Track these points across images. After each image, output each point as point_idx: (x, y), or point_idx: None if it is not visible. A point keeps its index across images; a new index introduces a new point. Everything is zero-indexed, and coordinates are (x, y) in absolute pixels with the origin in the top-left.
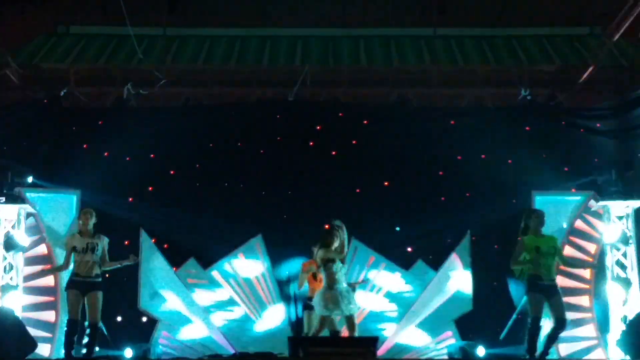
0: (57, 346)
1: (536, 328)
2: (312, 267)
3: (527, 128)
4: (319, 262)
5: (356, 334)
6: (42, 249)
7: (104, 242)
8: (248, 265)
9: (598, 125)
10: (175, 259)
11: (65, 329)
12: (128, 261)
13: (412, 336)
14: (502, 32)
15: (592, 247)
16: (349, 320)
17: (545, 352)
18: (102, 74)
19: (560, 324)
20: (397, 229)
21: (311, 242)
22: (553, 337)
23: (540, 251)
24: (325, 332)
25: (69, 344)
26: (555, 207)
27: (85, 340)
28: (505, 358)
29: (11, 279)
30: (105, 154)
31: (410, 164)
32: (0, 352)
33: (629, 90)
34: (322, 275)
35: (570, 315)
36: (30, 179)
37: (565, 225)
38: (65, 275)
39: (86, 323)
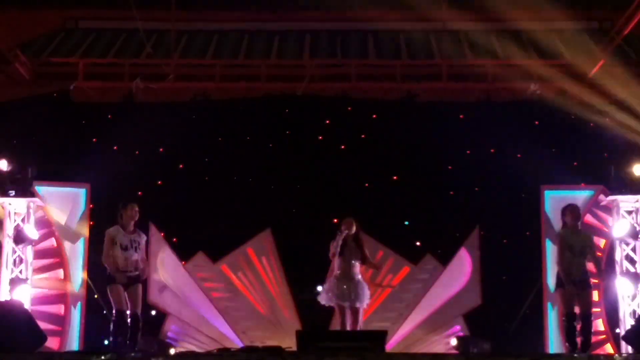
0: (66, 339)
1: (570, 323)
2: None
3: (536, 123)
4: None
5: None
6: (51, 243)
7: (143, 240)
8: (256, 259)
9: (607, 119)
10: (184, 253)
11: (114, 319)
12: None
13: (421, 330)
14: (511, 26)
15: (601, 242)
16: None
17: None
18: (111, 68)
19: (585, 319)
20: (406, 223)
21: (320, 236)
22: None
23: (572, 250)
24: None
25: (116, 334)
26: (565, 202)
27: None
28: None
29: (21, 272)
30: (114, 148)
31: (418, 158)
32: (10, 344)
33: (638, 84)
34: None
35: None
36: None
37: None
38: (76, 269)
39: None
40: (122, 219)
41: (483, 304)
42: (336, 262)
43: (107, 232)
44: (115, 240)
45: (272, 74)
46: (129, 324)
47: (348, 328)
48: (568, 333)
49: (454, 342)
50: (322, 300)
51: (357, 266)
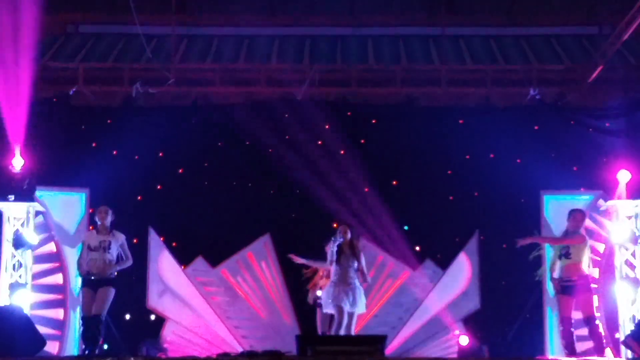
0: (65, 344)
1: (562, 327)
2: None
3: (535, 127)
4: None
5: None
6: (50, 247)
7: (119, 240)
8: (256, 263)
9: (607, 124)
10: (184, 257)
11: (81, 327)
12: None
13: (420, 335)
14: (510, 31)
15: (600, 247)
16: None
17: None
18: (111, 73)
19: (585, 321)
20: (406, 228)
21: (319, 240)
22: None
23: (550, 253)
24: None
25: (85, 340)
26: (564, 207)
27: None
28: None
29: (20, 276)
30: (114, 152)
31: (418, 163)
32: (9, 349)
33: (638, 89)
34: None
35: (578, 315)
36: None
37: None
38: (75, 274)
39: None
40: (96, 223)
41: (482, 308)
42: (332, 269)
43: None
44: (86, 243)
45: (272, 79)
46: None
47: (342, 332)
48: (563, 337)
49: (464, 340)
50: (323, 308)
51: (352, 272)
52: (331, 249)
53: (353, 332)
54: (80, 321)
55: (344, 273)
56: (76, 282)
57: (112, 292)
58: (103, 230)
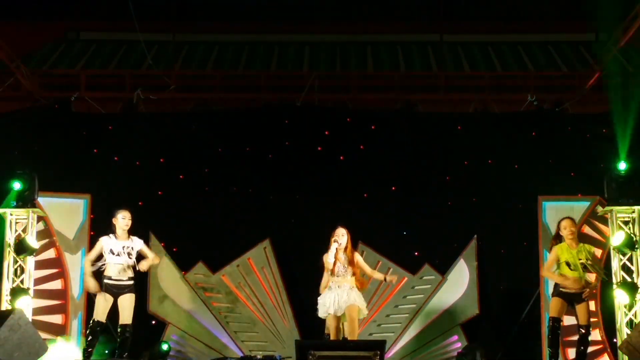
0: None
1: (550, 327)
2: None
3: (533, 133)
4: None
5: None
6: (51, 253)
7: (137, 245)
8: (256, 269)
9: (604, 130)
10: (184, 263)
11: (89, 330)
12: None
13: (419, 340)
14: (508, 38)
15: (598, 252)
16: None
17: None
18: (112, 79)
19: (579, 330)
20: (404, 233)
21: (319, 246)
22: (580, 345)
23: (569, 265)
24: None
25: (90, 344)
26: (562, 212)
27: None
28: None
29: (22, 282)
30: (115, 158)
31: (417, 168)
32: (11, 355)
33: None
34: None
35: (572, 321)
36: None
37: None
38: (76, 280)
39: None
40: (117, 227)
41: (481, 313)
42: (328, 274)
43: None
44: (108, 248)
45: (272, 85)
46: (120, 337)
47: (345, 336)
48: (548, 337)
49: None
50: (319, 313)
51: (348, 276)
52: (331, 254)
53: (357, 335)
54: (92, 324)
55: (339, 279)
56: (80, 288)
57: (132, 298)
58: (122, 235)
